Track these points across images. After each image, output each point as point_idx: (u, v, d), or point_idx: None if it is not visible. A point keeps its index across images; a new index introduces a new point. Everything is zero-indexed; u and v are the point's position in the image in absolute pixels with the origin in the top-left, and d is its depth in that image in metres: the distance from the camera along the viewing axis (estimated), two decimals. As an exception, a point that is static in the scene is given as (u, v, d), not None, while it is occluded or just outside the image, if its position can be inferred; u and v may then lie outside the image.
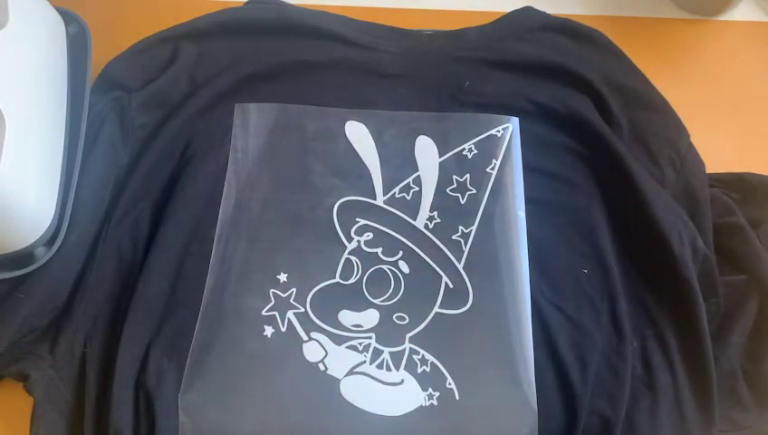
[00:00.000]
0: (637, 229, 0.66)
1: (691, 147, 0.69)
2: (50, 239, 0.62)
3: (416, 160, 0.68)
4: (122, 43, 0.72)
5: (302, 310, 0.63)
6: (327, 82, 0.71)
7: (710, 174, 0.70)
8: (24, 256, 0.61)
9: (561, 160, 0.69)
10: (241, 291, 0.64)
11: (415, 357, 0.62)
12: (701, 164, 0.69)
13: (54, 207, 0.62)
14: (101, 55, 0.71)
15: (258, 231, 0.66)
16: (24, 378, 0.61)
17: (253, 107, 0.70)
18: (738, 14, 0.82)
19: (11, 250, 0.60)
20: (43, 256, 0.62)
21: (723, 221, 0.68)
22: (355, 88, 0.71)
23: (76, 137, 0.66)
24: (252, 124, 0.69)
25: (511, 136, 0.69)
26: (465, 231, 0.66)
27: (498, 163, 0.68)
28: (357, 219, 0.66)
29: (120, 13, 0.76)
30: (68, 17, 0.70)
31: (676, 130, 0.70)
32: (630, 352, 0.62)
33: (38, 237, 0.61)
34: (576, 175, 0.68)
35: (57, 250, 0.62)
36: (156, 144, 0.67)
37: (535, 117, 0.70)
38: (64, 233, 0.63)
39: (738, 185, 0.70)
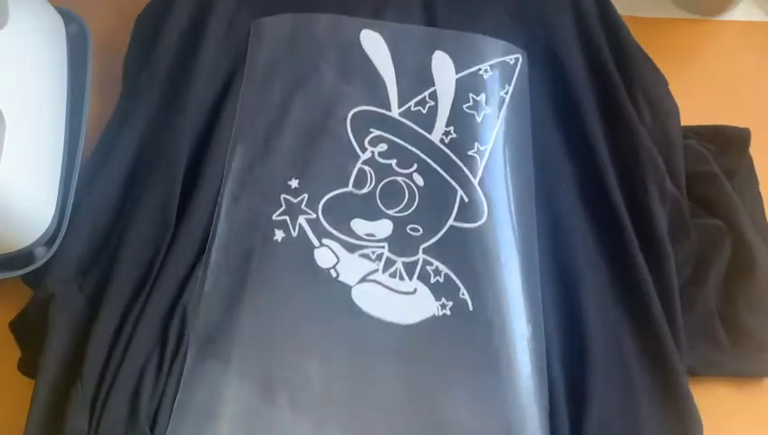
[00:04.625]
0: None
1: (668, 92, 0.70)
2: (50, 239, 0.61)
3: (432, 75, 0.67)
4: (122, 43, 0.71)
5: (314, 216, 0.61)
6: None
7: (688, 126, 0.70)
8: (23, 256, 0.60)
9: (565, 96, 0.69)
10: (252, 197, 0.62)
11: (428, 268, 0.61)
12: (676, 109, 0.70)
13: (54, 207, 0.61)
14: (101, 55, 0.70)
15: (270, 138, 0.64)
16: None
17: (267, 20, 0.68)
18: (738, 14, 0.82)
19: (11, 250, 0.59)
20: (42, 255, 0.60)
21: (698, 170, 0.69)
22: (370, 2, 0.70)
23: (76, 137, 0.65)
24: (266, 36, 0.68)
25: (521, 66, 0.69)
26: (482, 148, 0.65)
27: (511, 89, 0.67)
28: (371, 130, 0.65)
29: (119, 13, 0.74)
30: (68, 17, 0.70)
31: (655, 74, 0.70)
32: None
33: (38, 237, 0.60)
34: (578, 112, 0.68)
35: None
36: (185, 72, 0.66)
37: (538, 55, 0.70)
38: (64, 233, 0.62)
39: (715, 137, 0.72)
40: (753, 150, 0.72)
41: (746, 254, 0.66)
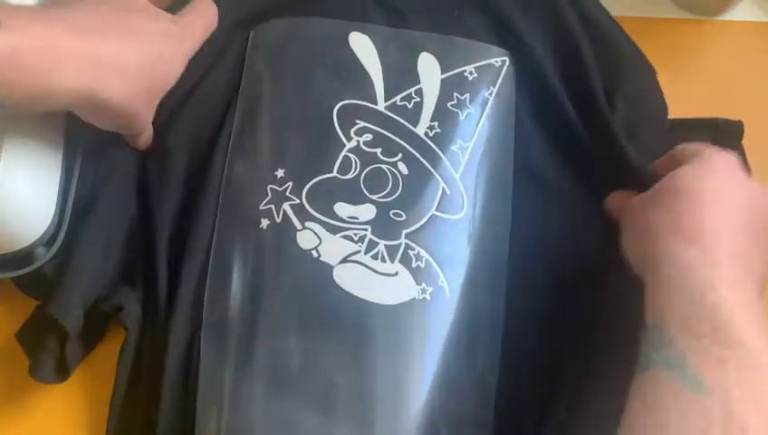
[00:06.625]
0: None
1: (648, 87, 0.71)
2: (50, 239, 0.61)
3: (418, 74, 0.69)
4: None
5: (298, 202, 0.63)
6: (331, 3, 0.72)
7: (681, 119, 0.71)
8: (23, 256, 0.60)
9: (548, 101, 0.70)
10: (244, 193, 0.64)
11: (410, 252, 0.62)
12: (661, 101, 0.71)
13: (54, 207, 0.61)
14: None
15: (261, 136, 0.66)
16: (119, 309, 0.60)
17: (264, 26, 0.71)
18: (738, 14, 0.81)
19: (10, 250, 0.60)
20: (42, 256, 0.61)
21: None
22: (359, 7, 0.73)
23: (76, 136, 0.66)
24: (263, 42, 0.70)
25: (507, 68, 0.71)
26: (464, 145, 0.67)
27: (495, 90, 0.69)
28: (357, 121, 0.67)
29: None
30: None
31: (639, 67, 0.72)
32: None
33: (38, 237, 0.60)
34: (561, 117, 0.69)
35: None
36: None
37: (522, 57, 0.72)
38: (64, 233, 0.62)
39: (707, 128, 0.72)
40: (753, 150, 0.72)
41: None
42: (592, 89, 0.68)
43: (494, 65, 0.70)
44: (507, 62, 0.71)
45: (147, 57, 0.58)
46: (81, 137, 0.63)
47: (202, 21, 0.66)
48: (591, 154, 0.67)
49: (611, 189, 0.65)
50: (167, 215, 0.63)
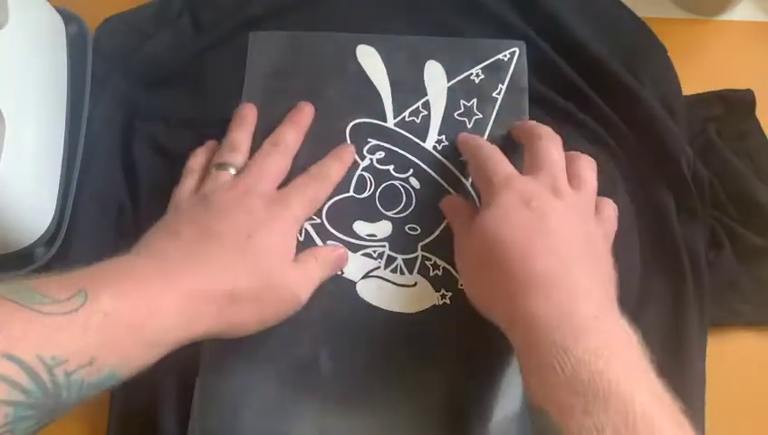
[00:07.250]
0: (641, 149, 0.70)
1: (668, 61, 0.73)
2: (50, 239, 0.62)
3: (425, 85, 0.71)
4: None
5: (319, 221, 0.66)
6: (336, 9, 0.75)
7: (691, 94, 0.73)
8: (23, 256, 0.61)
9: (562, 87, 0.72)
10: None
11: (427, 263, 0.65)
12: (675, 77, 0.73)
13: (54, 207, 0.62)
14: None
15: None
16: None
17: (265, 35, 0.73)
18: (738, 14, 0.81)
19: (11, 250, 0.61)
20: (42, 256, 0.62)
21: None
22: (364, 14, 0.74)
23: (76, 137, 0.66)
24: (265, 51, 0.72)
25: (517, 60, 0.72)
26: None
27: (504, 88, 0.71)
28: (369, 139, 0.69)
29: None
30: (68, 17, 0.70)
31: (655, 47, 0.74)
32: None
33: (38, 237, 0.61)
34: (575, 104, 0.72)
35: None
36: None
37: (537, 42, 0.73)
38: (64, 233, 0.63)
39: (719, 102, 0.73)
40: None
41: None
42: (617, 71, 0.71)
43: (502, 60, 0.72)
44: (518, 53, 0.72)
45: (254, 266, 0.57)
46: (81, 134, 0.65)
47: (321, 185, 0.65)
48: (623, 138, 0.70)
49: (647, 174, 0.68)
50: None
